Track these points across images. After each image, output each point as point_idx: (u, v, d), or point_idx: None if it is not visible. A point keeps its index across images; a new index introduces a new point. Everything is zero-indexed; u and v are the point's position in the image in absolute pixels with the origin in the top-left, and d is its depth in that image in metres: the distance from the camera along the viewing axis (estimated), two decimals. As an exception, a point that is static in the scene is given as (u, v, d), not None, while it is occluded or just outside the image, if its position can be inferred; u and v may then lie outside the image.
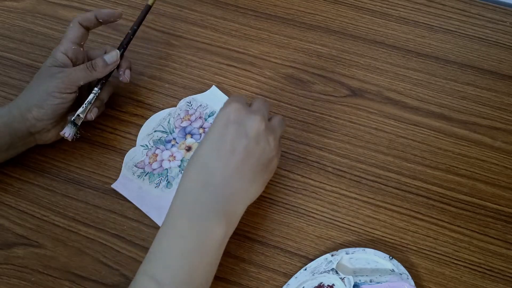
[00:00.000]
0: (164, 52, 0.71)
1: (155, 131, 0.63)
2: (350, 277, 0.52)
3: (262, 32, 0.73)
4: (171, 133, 0.63)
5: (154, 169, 0.61)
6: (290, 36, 0.73)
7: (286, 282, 0.54)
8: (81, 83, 0.59)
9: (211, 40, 0.72)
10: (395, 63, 0.70)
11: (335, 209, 0.59)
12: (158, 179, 0.60)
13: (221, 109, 0.52)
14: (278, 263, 0.56)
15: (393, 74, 0.69)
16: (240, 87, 0.68)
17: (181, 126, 0.64)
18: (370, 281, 0.52)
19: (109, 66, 0.61)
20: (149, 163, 0.61)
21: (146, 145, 0.63)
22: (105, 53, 0.62)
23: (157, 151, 0.62)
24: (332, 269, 0.53)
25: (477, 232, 0.57)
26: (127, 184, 0.60)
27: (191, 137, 0.63)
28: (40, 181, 0.61)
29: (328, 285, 0.52)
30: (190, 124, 0.64)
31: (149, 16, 0.74)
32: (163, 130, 0.64)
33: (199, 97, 0.66)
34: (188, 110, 0.65)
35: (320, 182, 0.60)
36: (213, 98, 0.66)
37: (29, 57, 0.71)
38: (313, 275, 0.53)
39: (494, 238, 0.57)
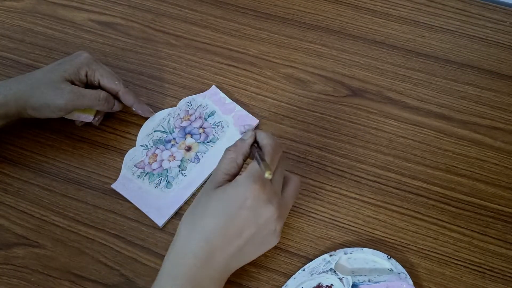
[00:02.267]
0: (164, 52, 0.71)
1: (154, 131, 0.63)
2: (349, 277, 0.52)
3: (262, 32, 0.73)
4: (171, 133, 0.63)
5: (154, 169, 0.61)
6: (290, 36, 0.73)
7: (285, 282, 0.54)
8: (83, 108, 0.60)
9: (211, 40, 0.72)
10: (395, 63, 0.70)
11: (335, 209, 0.59)
12: (158, 179, 0.60)
13: (241, 186, 0.48)
14: (278, 263, 0.55)
15: (393, 74, 0.69)
16: (240, 87, 0.68)
17: (181, 126, 0.64)
18: (369, 281, 0.52)
19: (110, 110, 0.62)
20: (149, 163, 0.61)
21: (146, 145, 0.63)
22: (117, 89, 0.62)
23: (157, 151, 0.62)
24: (331, 269, 0.53)
25: (477, 232, 0.57)
26: (127, 184, 0.60)
27: (191, 137, 0.63)
28: (40, 181, 0.61)
29: (326, 285, 0.52)
30: (190, 124, 0.64)
31: (149, 16, 0.75)
32: (163, 130, 0.64)
33: (199, 97, 0.66)
34: (188, 110, 0.65)
35: (320, 182, 0.60)
36: (213, 98, 0.66)
37: (29, 57, 0.71)
38: (311, 275, 0.53)
39: (494, 238, 0.57)
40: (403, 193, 0.60)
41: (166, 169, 0.61)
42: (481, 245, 0.57)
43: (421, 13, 0.75)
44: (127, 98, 0.62)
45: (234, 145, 0.52)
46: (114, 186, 0.60)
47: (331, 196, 0.60)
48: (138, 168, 0.61)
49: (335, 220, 0.58)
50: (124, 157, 0.62)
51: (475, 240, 0.57)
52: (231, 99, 0.66)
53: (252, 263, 0.55)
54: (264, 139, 0.51)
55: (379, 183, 0.60)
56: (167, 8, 0.76)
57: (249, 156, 0.52)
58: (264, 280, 0.55)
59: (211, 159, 0.61)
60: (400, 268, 0.53)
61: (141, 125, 0.64)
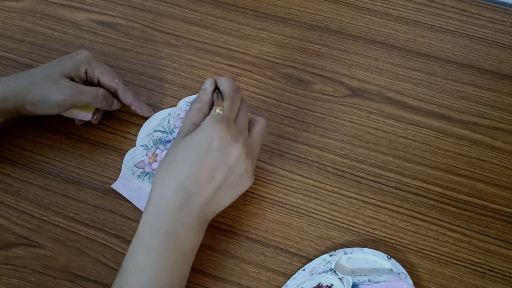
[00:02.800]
0: (164, 52, 0.71)
1: (154, 131, 0.63)
2: (349, 277, 0.52)
3: (262, 32, 0.73)
4: (171, 133, 0.63)
5: (154, 169, 0.61)
6: (290, 36, 0.73)
7: (285, 282, 0.54)
8: (81, 105, 0.60)
9: (211, 40, 0.72)
10: (395, 63, 0.70)
11: (335, 209, 0.59)
12: None
13: (206, 129, 0.50)
14: (278, 263, 0.55)
15: (393, 74, 0.69)
16: (240, 87, 0.68)
17: (180, 126, 0.64)
18: (369, 281, 0.52)
19: (109, 109, 0.63)
20: (149, 163, 0.61)
21: (146, 145, 0.63)
22: (116, 87, 0.62)
23: (157, 151, 0.62)
24: (331, 269, 0.53)
25: (477, 232, 0.57)
26: (126, 184, 0.60)
27: None
28: (40, 181, 0.61)
29: (326, 285, 0.52)
30: None
31: (149, 16, 0.75)
32: (163, 130, 0.63)
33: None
34: (187, 110, 0.65)
35: (320, 182, 0.60)
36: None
37: (29, 57, 0.71)
38: (311, 275, 0.53)
39: (494, 238, 0.57)
40: (403, 193, 0.60)
41: None
42: (481, 245, 0.57)
43: (421, 13, 0.75)
44: (126, 97, 0.62)
45: (198, 96, 0.54)
46: (114, 186, 0.60)
47: (331, 196, 0.60)
48: (138, 168, 0.61)
49: (335, 220, 0.58)
50: (124, 157, 0.62)
51: (475, 240, 0.57)
52: None
53: (252, 263, 0.55)
54: (223, 84, 0.53)
55: (379, 183, 0.60)
56: (167, 8, 0.76)
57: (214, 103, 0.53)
58: (264, 280, 0.55)
59: None
60: (400, 268, 0.53)
61: (141, 125, 0.64)
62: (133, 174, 0.61)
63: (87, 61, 0.60)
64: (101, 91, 0.60)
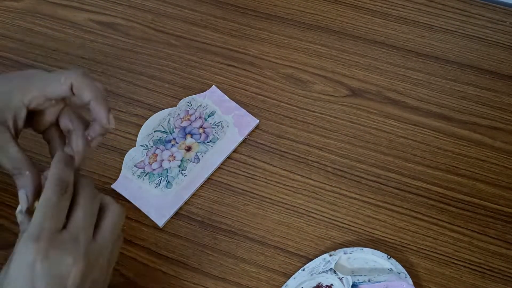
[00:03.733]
0: (164, 52, 0.71)
1: (155, 131, 0.63)
2: (349, 276, 0.52)
3: (262, 32, 0.73)
4: (171, 133, 0.63)
5: (154, 169, 0.61)
6: (290, 36, 0.73)
7: (285, 282, 0.54)
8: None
9: (211, 40, 0.72)
10: (395, 63, 0.70)
11: (335, 209, 0.59)
12: (158, 179, 0.60)
13: (18, 254, 0.38)
14: (278, 263, 0.55)
15: (393, 74, 0.69)
16: (240, 87, 0.68)
17: (181, 126, 0.64)
18: (369, 281, 0.52)
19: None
20: (149, 163, 0.61)
21: (146, 145, 0.63)
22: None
23: (157, 151, 0.62)
24: (331, 269, 0.53)
25: (477, 232, 0.57)
26: (127, 184, 0.60)
27: (191, 137, 0.63)
28: (40, 181, 0.61)
29: (326, 285, 0.52)
30: (190, 124, 0.64)
31: (148, 16, 0.75)
32: (163, 130, 0.64)
33: (199, 97, 0.66)
34: (188, 110, 0.65)
35: (320, 182, 0.60)
36: (213, 98, 0.66)
37: (29, 57, 0.71)
38: (311, 275, 0.53)
39: (494, 238, 0.57)
40: (403, 193, 0.60)
41: (166, 169, 0.61)
42: (481, 245, 0.57)
43: (421, 13, 0.75)
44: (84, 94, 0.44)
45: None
46: (114, 186, 0.60)
47: (331, 196, 0.60)
48: (138, 168, 0.61)
49: (335, 220, 0.58)
50: (124, 157, 0.62)
51: (475, 240, 0.57)
52: (231, 99, 0.66)
53: (252, 263, 0.55)
54: (51, 167, 0.41)
55: (379, 183, 0.60)
56: (167, 8, 0.76)
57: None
58: (264, 280, 0.55)
59: (211, 159, 0.61)
60: (400, 268, 0.53)
61: (141, 125, 0.64)
62: (133, 174, 0.61)
63: (21, 86, 0.43)
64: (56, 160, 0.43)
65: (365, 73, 0.69)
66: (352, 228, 0.58)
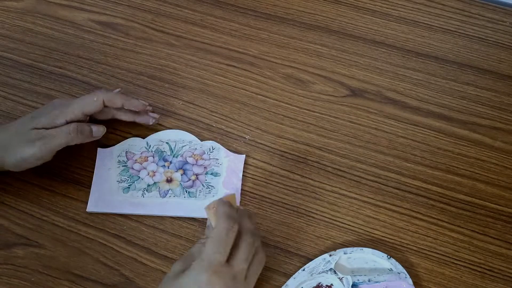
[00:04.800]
0: (164, 52, 0.71)
1: (166, 143, 0.63)
2: (348, 276, 0.52)
3: (262, 32, 0.73)
4: (173, 156, 0.62)
5: (132, 168, 0.61)
6: (290, 36, 0.73)
7: (285, 282, 0.54)
8: (59, 148, 0.56)
9: (211, 40, 0.72)
10: (395, 63, 0.70)
11: (335, 209, 0.59)
12: (126, 177, 0.60)
13: (190, 273, 0.47)
14: (278, 263, 0.55)
15: (393, 74, 0.69)
16: (240, 87, 0.68)
17: (185, 159, 0.62)
18: (369, 281, 0.52)
19: (92, 138, 0.59)
20: (135, 160, 0.61)
21: (150, 146, 0.62)
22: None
23: (150, 158, 0.62)
24: (330, 269, 0.53)
25: (477, 232, 0.57)
26: (106, 159, 0.61)
27: (181, 175, 0.61)
28: (40, 181, 0.61)
29: (326, 285, 0.52)
30: (193, 165, 0.61)
31: (148, 16, 0.75)
32: (172, 148, 0.62)
33: (223, 151, 0.62)
34: (204, 153, 0.62)
35: (320, 182, 0.60)
36: (231, 165, 0.61)
37: (29, 57, 0.71)
38: (311, 275, 0.53)
39: (494, 238, 0.57)
40: (403, 193, 0.60)
41: (139, 177, 0.60)
42: (481, 245, 0.57)
43: (421, 13, 0.75)
44: (115, 100, 0.59)
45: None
46: (98, 152, 0.61)
47: (331, 196, 0.60)
48: (126, 155, 0.61)
49: (335, 220, 0.58)
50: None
51: (475, 240, 0.57)
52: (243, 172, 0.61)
53: (252, 263, 0.55)
54: (218, 209, 0.50)
55: (379, 183, 0.60)
56: (167, 8, 0.76)
57: None
58: (264, 280, 0.55)
59: (173, 206, 0.59)
60: (400, 267, 0.53)
61: (141, 125, 0.64)
62: (118, 156, 0.61)
63: (62, 110, 0.57)
64: (71, 126, 0.56)
65: (365, 73, 0.69)
66: (352, 228, 0.58)
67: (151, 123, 0.63)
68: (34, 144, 0.55)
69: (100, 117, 0.62)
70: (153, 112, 0.63)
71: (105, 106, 0.59)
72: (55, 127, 0.56)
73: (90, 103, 0.58)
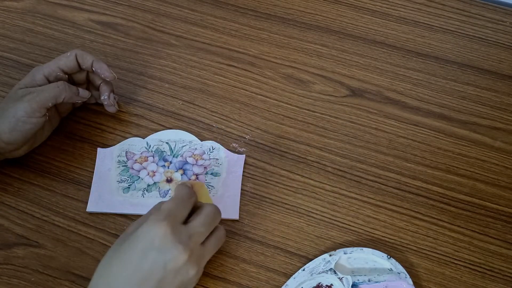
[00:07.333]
0: (164, 52, 0.71)
1: (166, 143, 0.63)
2: (349, 276, 0.52)
3: (262, 32, 0.73)
4: (173, 156, 0.62)
5: (132, 168, 0.61)
6: (290, 36, 0.73)
7: (285, 282, 0.54)
8: (50, 104, 0.57)
9: (211, 40, 0.72)
10: (395, 63, 0.70)
11: (335, 209, 0.59)
12: (126, 177, 0.60)
13: (147, 224, 0.47)
14: (278, 263, 0.56)
15: (393, 74, 0.69)
16: (240, 87, 0.68)
17: (185, 159, 0.62)
18: (369, 281, 0.52)
19: (78, 98, 0.61)
20: (135, 160, 0.61)
21: (150, 146, 0.62)
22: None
23: (150, 158, 0.62)
24: (330, 269, 0.53)
25: (477, 232, 0.57)
26: (106, 158, 0.61)
27: (181, 174, 0.60)
28: (40, 181, 0.61)
29: (326, 285, 0.52)
30: (193, 165, 0.61)
31: (149, 16, 0.75)
32: (172, 148, 0.62)
33: (222, 151, 0.62)
34: (204, 153, 0.62)
35: (320, 182, 0.60)
36: (231, 166, 0.61)
37: (29, 57, 0.71)
38: (311, 275, 0.53)
39: (494, 238, 0.57)
40: (403, 193, 0.60)
41: (139, 177, 0.60)
42: (481, 245, 0.57)
43: (421, 13, 0.75)
44: (85, 61, 0.60)
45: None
46: (98, 152, 0.61)
47: (331, 196, 0.60)
48: (126, 155, 0.61)
49: (335, 220, 0.58)
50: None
51: (475, 240, 0.57)
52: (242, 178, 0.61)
53: (252, 263, 0.55)
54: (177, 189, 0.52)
55: (379, 183, 0.60)
56: (167, 8, 0.76)
57: None
58: (264, 280, 0.55)
59: None
60: (400, 267, 0.53)
61: (141, 125, 0.64)
62: (118, 156, 0.61)
63: (39, 67, 0.60)
64: (59, 82, 0.59)
65: (365, 73, 0.69)
66: (352, 228, 0.58)
67: (114, 111, 0.64)
68: (23, 99, 0.56)
69: (77, 80, 0.63)
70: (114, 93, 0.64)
71: (79, 65, 0.61)
72: (37, 85, 0.58)
73: (64, 57, 0.60)
